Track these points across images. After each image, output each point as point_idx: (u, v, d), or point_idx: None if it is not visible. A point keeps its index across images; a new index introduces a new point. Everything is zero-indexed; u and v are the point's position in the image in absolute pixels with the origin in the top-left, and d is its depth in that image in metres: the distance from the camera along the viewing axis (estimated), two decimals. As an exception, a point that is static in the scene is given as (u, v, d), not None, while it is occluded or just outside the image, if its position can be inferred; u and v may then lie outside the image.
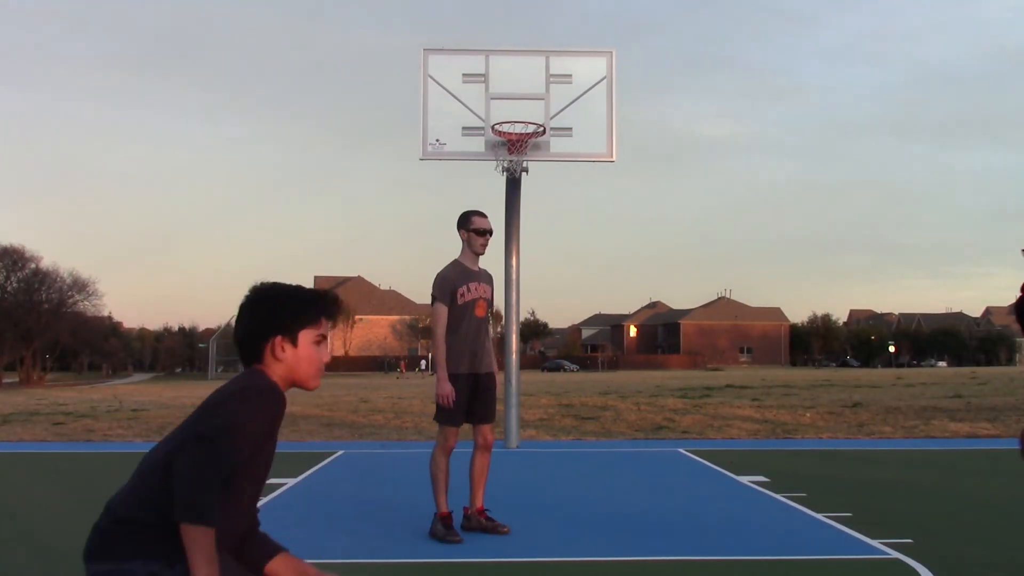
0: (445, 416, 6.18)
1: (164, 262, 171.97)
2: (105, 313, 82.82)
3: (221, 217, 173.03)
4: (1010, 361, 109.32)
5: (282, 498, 7.97)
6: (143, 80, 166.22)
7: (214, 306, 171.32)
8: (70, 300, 64.21)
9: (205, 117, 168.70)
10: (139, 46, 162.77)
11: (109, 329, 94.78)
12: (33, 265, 61.56)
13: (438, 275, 6.29)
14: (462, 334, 6.21)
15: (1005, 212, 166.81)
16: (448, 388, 6.09)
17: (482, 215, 6.41)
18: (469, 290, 6.26)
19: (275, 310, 2.73)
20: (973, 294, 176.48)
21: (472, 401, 6.25)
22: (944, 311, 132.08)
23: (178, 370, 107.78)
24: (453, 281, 6.24)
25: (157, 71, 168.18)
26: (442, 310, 6.19)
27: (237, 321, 2.76)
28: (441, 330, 6.19)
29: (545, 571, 5.33)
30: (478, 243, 6.31)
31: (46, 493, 8.49)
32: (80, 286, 64.54)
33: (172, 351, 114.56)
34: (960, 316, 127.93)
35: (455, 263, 6.37)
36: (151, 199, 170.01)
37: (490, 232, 6.38)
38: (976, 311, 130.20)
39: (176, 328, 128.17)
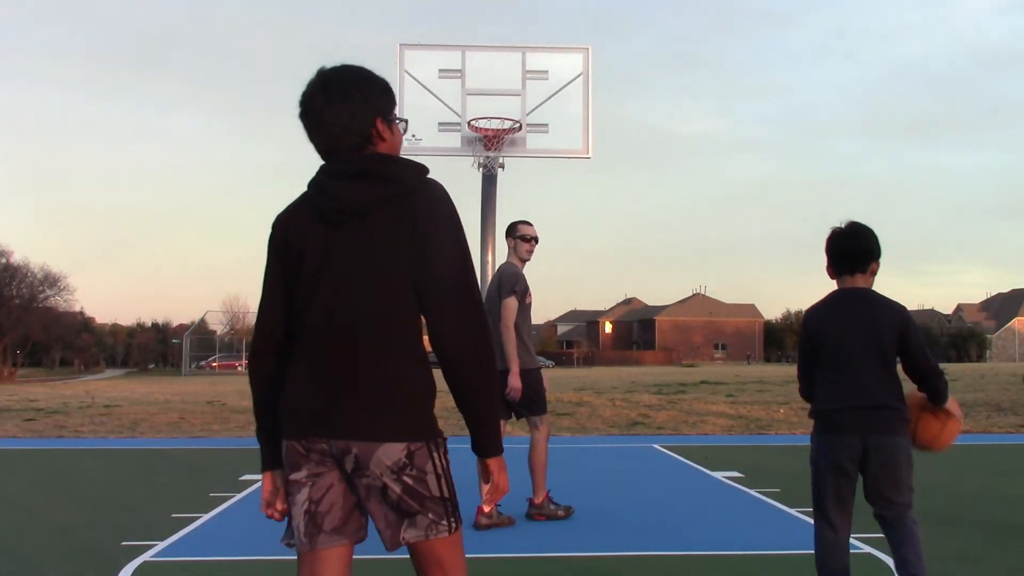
0: (543, 406, 6.56)
1: (137, 257, 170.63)
2: (77, 308, 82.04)
3: (195, 212, 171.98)
4: (980, 358, 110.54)
5: (257, 494, 7.93)
6: (117, 73, 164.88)
7: (187, 302, 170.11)
8: (41, 295, 63.61)
9: (179, 111, 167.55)
10: (113, 39, 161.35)
11: (81, 324, 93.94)
12: (3, 260, 60.93)
13: (511, 272, 6.56)
14: (525, 332, 6.52)
15: (976, 210, 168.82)
16: (519, 382, 6.34)
17: (528, 223, 6.79)
18: (530, 293, 6.63)
19: (374, 88, 2.49)
20: (944, 291, 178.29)
21: None
22: (915, 308, 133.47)
23: (151, 366, 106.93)
24: (524, 282, 6.59)
25: (131, 64, 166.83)
26: (515, 304, 6.46)
27: (335, 93, 2.43)
28: (513, 323, 6.44)
29: (519, 567, 5.34)
30: (524, 249, 6.71)
31: (16, 490, 8.41)
32: (51, 281, 63.93)
33: (145, 347, 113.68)
34: (931, 313, 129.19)
35: (516, 266, 6.70)
36: (124, 193, 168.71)
37: (536, 239, 6.76)
38: (947, 308, 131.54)
39: (149, 324, 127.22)
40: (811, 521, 6.49)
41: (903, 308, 3.89)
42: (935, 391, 3.93)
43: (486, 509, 6.35)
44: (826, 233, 4.07)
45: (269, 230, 2.53)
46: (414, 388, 2.35)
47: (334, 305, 2.35)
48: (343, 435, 2.30)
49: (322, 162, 2.49)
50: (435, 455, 2.35)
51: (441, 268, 2.32)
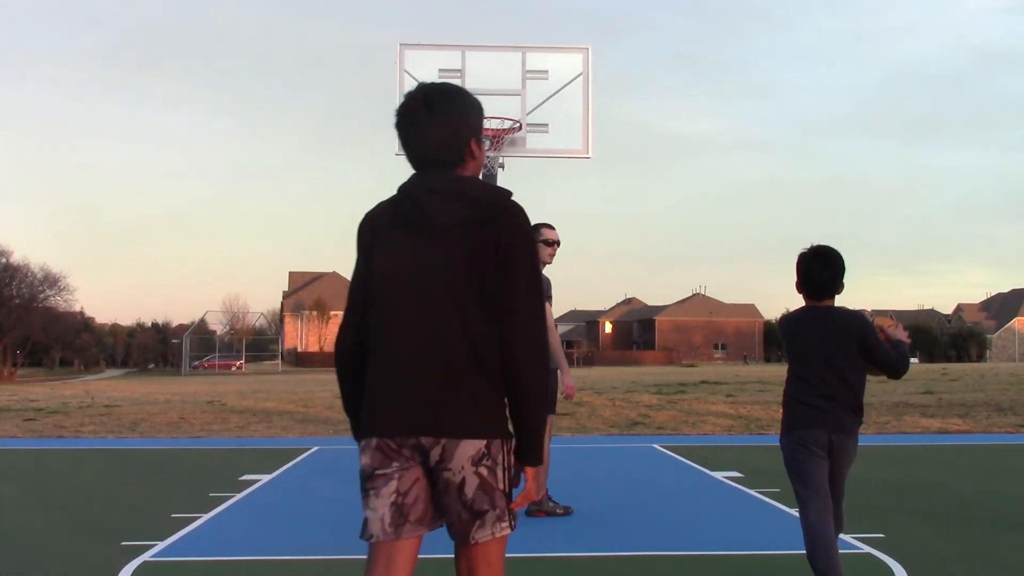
0: (554, 406, 6.73)
1: (137, 257, 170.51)
2: (77, 308, 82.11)
3: (195, 212, 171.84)
4: (980, 358, 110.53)
5: (256, 494, 7.93)
6: (116, 73, 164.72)
7: (187, 302, 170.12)
8: (41, 295, 63.63)
9: (179, 111, 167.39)
10: (112, 38, 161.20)
11: (81, 324, 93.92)
12: (3, 260, 60.94)
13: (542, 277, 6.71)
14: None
15: (976, 210, 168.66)
16: (573, 382, 6.68)
17: (551, 227, 6.77)
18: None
19: (472, 110, 2.70)
20: (944, 291, 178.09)
21: None
22: (916, 308, 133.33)
23: (151, 366, 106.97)
24: (551, 286, 6.76)
25: (131, 64, 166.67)
26: (549, 309, 6.71)
27: (438, 112, 2.62)
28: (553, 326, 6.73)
29: (520, 567, 5.33)
30: (547, 253, 6.73)
31: (16, 490, 8.40)
32: (51, 281, 63.97)
33: (145, 347, 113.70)
34: (931, 313, 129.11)
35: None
36: (124, 193, 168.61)
37: (559, 243, 6.79)
38: (947, 308, 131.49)
39: (149, 323, 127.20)
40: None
41: (860, 316, 4.33)
42: (901, 373, 4.38)
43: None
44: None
45: (357, 228, 2.72)
46: (491, 390, 2.57)
47: (421, 312, 2.56)
48: (433, 432, 2.52)
49: (413, 171, 2.68)
50: (504, 449, 2.59)
51: (520, 287, 2.55)
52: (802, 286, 4.40)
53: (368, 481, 2.59)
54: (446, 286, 2.55)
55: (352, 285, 2.72)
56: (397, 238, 2.61)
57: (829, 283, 4.32)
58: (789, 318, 4.51)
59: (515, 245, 2.56)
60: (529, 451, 2.60)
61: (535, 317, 2.56)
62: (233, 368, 73.93)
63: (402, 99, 2.69)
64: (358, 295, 2.68)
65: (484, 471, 2.53)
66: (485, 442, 2.54)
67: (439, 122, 2.61)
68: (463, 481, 2.52)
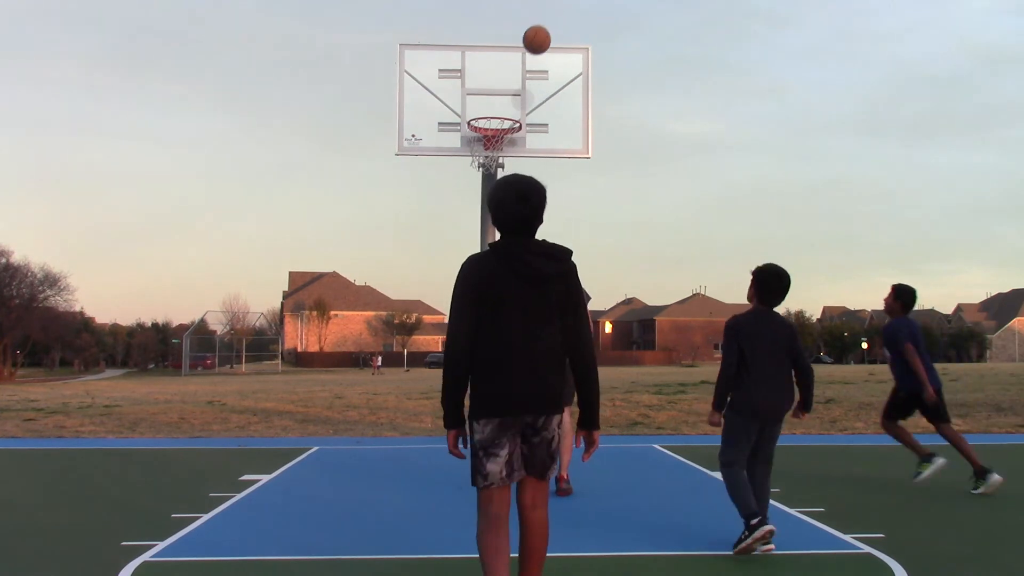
0: (571, 398, 7.33)
1: (137, 257, 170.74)
2: (77, 308, 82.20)
3: (195, 212, 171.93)
4: (980, 358, 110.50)
5: (257, 494, 7.93)
6: (118, 74, 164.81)
7: (187, 302, 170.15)
8: (41, 295, 63.71)
9: (179, 112, 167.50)
10: (114, 40, 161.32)
11: (81, 324, 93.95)
12: (3, 260, 60.96)
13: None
14: None
15: (975, 210, 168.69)
16: None
17: None
18: None
19: (545, 197, 4.06)
20: (944, 291, 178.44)
21: None
22: (916, 308, 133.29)
23: (151, 366, 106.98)
24: None
25: (132, 65, 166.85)
26: None
27: (533, 201, 3.99)
28: None
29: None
30: None
31: (16, 490, 8.40)
32: (51, 281, 64.06)
33: (145, 347, 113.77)
34: (931, 313, 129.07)
35: None
36: (124, 194, 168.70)
37: None
38: (947, 308, 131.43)
39: (149, 324, 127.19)
40: (812, 521, 6.52)
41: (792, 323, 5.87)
42: (807, 388, 5.94)
43: (565, 475, 7.66)
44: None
45: (464, 267, 3.98)
46: (563, 380, 4.05)
47: (527, 334, 3.94)
48: (540, 413, 3.97)
49: (501, 235, 4.05)
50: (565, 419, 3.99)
51: (582, 312, 4.08)
52: (764, 298, 5.76)
53: (489, 447, 3.91)
54: (544, 316, 3.96)
55: (462, 319, 3.92)
56: (512, 285, 3.93)
57: (786, 294, 5.77)
58: (745, 316, 5.81)
59: (578, 287, 4.06)
60: (597, 417, 4.08)
61: (589, 327, 4.13)
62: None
63: (496, 187, 4.02)
64: (471, 325, 3.92)
65: (559, 432, 4.03)
66: (561, 416, 4.04)
67: (530, 209, 3.97)
68: (553, 438, 4.00)
